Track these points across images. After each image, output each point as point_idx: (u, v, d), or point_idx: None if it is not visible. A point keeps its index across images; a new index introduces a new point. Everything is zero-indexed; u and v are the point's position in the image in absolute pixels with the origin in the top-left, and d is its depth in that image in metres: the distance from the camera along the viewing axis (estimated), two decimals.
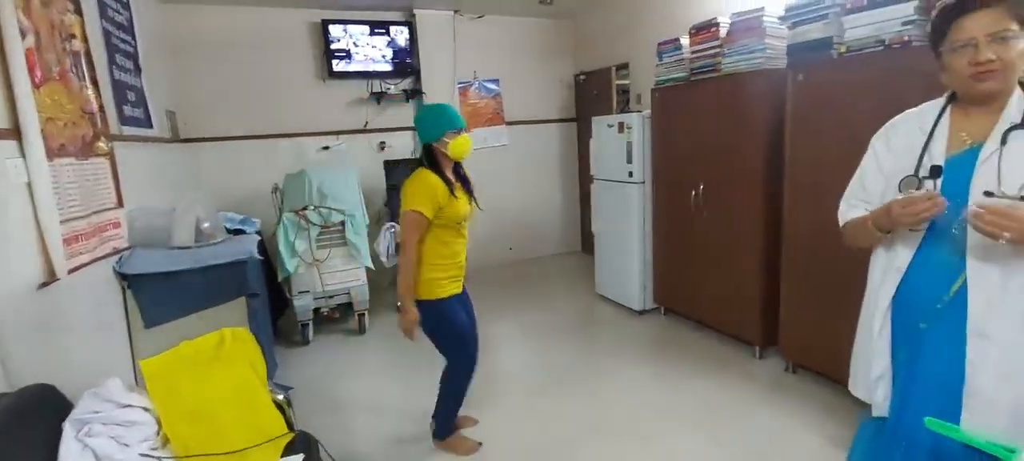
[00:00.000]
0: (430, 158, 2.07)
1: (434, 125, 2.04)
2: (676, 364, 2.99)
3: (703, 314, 3.37)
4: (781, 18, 2.60)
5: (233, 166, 4.31)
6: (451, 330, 2.13)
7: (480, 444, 2.31)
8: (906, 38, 2.06)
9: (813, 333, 2.60)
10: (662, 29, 3.91)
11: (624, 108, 4.72)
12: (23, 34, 1.68)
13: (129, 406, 1.44)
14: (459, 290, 2.16)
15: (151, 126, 3.15)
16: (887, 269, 1.24)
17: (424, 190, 1.98)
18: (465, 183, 2.17)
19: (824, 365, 2.59)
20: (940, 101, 1.21)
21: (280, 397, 1.72)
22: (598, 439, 2.33)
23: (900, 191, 1.17)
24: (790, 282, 2.70)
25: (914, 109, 1.26)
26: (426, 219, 1.97)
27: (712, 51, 2.98)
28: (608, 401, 2.67)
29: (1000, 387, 1.06)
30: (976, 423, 1.06)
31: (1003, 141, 1.06)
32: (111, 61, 2.59)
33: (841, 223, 1.38)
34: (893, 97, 2.14)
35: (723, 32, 2.93)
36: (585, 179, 5.50)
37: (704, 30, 3.03)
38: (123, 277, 2.39)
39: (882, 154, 1.27)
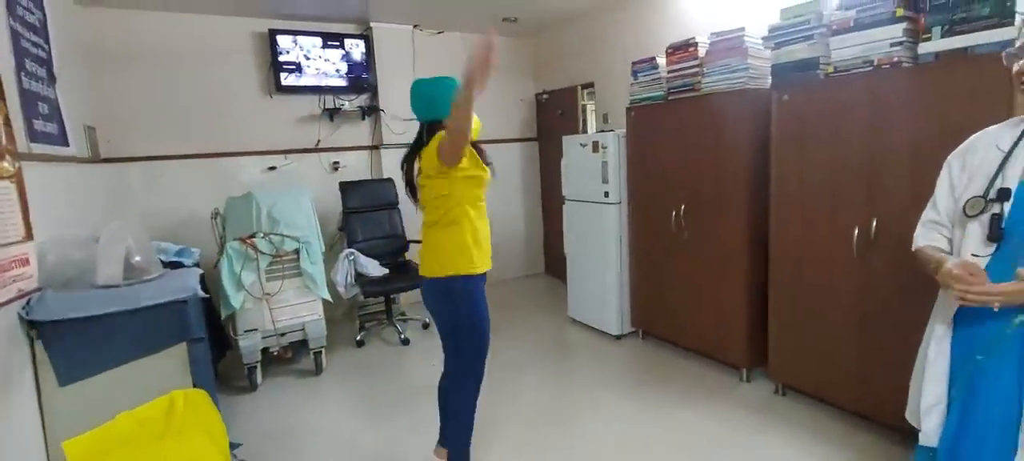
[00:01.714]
0: (436, 134, 1.87)
1: (450, 97, 1.78)
2: (660, 391, 2.87)
3: (685, 337, 3.29)
4: (764, 38, 2.59)
5: (164, 189, 3.83)
6: (481, 317, 1.95)
7: None
8: (895, 59, 2.08)
9: (803, 353, 2.56)
10: (629, 50, 3.89)
11: (601, 128, 4.66)
12: None
13: None
14: (490, 266, 2.01)
15: (67, 144, 2.69)
16: (947, 295, 1.15)
17: None
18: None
19: (816, 386, 2.55)
20: (1022, 119, 1.14)
21: None
22: None
23: (965, 213, 1.10)
24: (778, 302, 2.66)
25: (993, 127, 1.19)
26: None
27: (691, 70, 2.95)
28: (594, 433, 2.50)
29: None
30: None
31: None
32: (20, 67, 2.18)
33: (913, 247, 1.29)
34: (882, 117, 2.17)
35: (702, 52, 2.90)
36: (548, 199, 5.39)
37: (681, 49, 3.00)
38: (31, 325, 1.96)
39: (956, 174, 1.20)
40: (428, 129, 1.95)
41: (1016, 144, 1.11)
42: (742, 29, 2.69)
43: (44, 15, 2.56)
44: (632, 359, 3.36)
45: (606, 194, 3.50)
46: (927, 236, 1.26)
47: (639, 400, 2.81)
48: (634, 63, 3.36)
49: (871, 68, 2.16)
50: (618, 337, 3.63)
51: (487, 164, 1.98)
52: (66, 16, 3.07)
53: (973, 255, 1.09)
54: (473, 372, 2.02)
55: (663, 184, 3.19)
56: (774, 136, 2.55)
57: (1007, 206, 1.06)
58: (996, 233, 1.05)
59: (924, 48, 2.00)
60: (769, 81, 2.59)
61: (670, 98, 3.11)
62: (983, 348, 1.09)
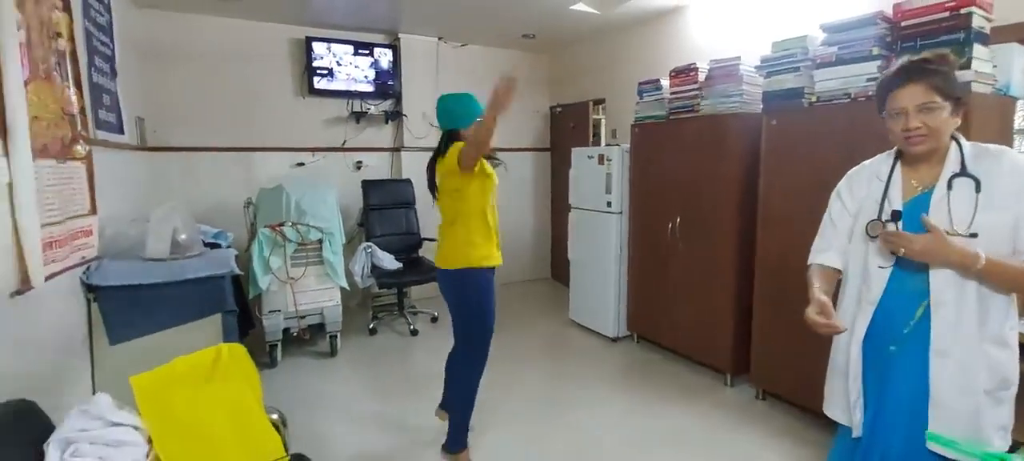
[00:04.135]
0: (456, 142, 2.15)
1: (468, 113, 2.16)
2: (651, 390, 3.06)
3: (675, 342, 3.48)
4: (757, 67, 2.80)
5: (200, 178, 4.15)
6: (488, 307, 2.20)
7: None
8: (870, 93, 2.27)
9: (783, 362, 2.74)
10: (638, 69, 4.12)
11: (609, 142, 4.88)
12: (17, 27, 1.61)
13: (118, 424, 1.36)
14: (500, 262, 2.26)
15: (122, 132, 3.02)
16: (861, 301, 1.37)
17: None
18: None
19: (793, 393, 2.73)
20: (891, 154, 1.38)
21: (275, 417, 1.66)
22: None
23: (867, 232, 1.33)
24: (762, 313, 2.84)
25: (868, 161, 1.44)
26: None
27: (691, 93, 3.17)
28: (588, 427, 2.70)
29: (959, 399, 1.21)
30: (941, 431, 1.21)
31: (949, 186, 1.24)
32: (91, 63, 2.49)
33: (808, 261, 1.52)
34: (857, 144, 2.35)
35: (702, 76, 3.12)
36: (557, 208, 5.62)
37: (683, 73, 3.22)
38: (90, 289, 2.25)
39: (846, 199, 1.45)
40: (449, 137, 2.22)
41: (892, 172, 1.35)
42: (738, 58, 2.90)
43: (110, 16, 2.88)
44: (625, 360, 3.56)
45: (609, 204, 3.72)
46: (819, 254, 1.49)
47: (629, 396, 3.01)
48: (640, 83, 3.59)
49: (849, 100, 2.36)
50: (614, 339, 3.83)
51: (494, 161, 2.26)
52: (126, 17, 3.40)
53: (879, 267, 1.31)
54: (479, 353, 2.28)
55: (661, 197, 3.40)
56: (763, 157, 2.75)
57: (900, 225, 1.28)
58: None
59: None
60: (760, 106, 2.80)
61: (671, 117, 3.33)
62: (894, 339, 1.29)
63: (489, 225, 2.22)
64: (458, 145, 2.12)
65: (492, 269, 2.25)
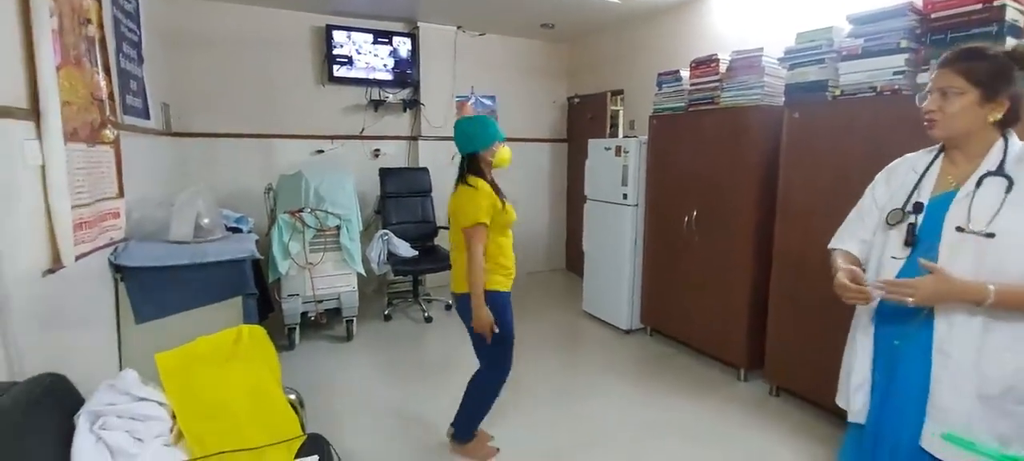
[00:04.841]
0: (474, 166, 2.15)
1: (485, 135, 2.15)
2: (664, 383, 3.06)
3: (689, 336, 3.47)
4: (780, 59, 2.75)
5: (221, 163, 4.23)
6: (503, 327, 2.18)
7: (498, 451, 2.34)
8: (896, 87, 2.22)
9: (798, 358, 2.71)
10: (658, 60, 4.07)
11: (627, 133, 4.84)
12: (50, 13, 1.65)
13: (144, 399, 1.41)
14: (510, 287, 2.23)
15: (148, 117, 3.09)
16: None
17: (482, 201, 2.07)
18: (497, 191, 2.23)
19: (807, 389, 2.71)
20: (936, 147, 1.35)
21: (292, 397, 1.71)
22: (593, 455, 2.37)
23: (887, 222, 1.31)
24: (778, 308, 2.82)
25: (914, 153, 1.40)
26: (486, 227, 2.07)
27: (711, 85, 3.13)
28: (601, 416, 2.71)
29: (955, 399, 1.19)
30: (937, 432, 1.20)
31: (978, 184, 1.20)
32: (119, 49, 2.55)
33: (830, 246, 1.51)
34: (881, 140, 2.31)
35: (723, 68, 3.07)
36: (573, 199, 5.61)
37: (704, 64, 3.18)
38: (117, 269, 2.33)
39: (881, 190, 1.42)
40: (468, 161, 2.19)
41: (928, 168, 1.32)
42: (761, 49, 2.85)
43: (137, 3, 2.94)
44: (638, 352, 3.56)
45: (624, 196, 3.70)
46: (841, 240, 1.48)
47: (641, 388, 3.02)
48: (659, 74, 3.55)
49: (874, 94, 2.30)
50: (627, 332, 3.83)
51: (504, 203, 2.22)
52: (151, 3, 3.47)
53: (892, 257, 1.30)
54: (500, 369, 2.27)
55: (678, 190, 3.38)
56: (783, 151, 2.71)
57: (920, 217, 1.26)
58: (911, 239, 1.27)
59: (922, 78, 2.15)
60: (782, 99, 2.75)
61: (690, 109, 3.29)
62: (900, 335, 1.28)
63: (503, 250, 2.18)
64: (472, 189, 2.09)
65: (507, 292, 2.22)
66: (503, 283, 2.19)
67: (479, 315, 2.07)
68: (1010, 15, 1.94)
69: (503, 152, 2.19)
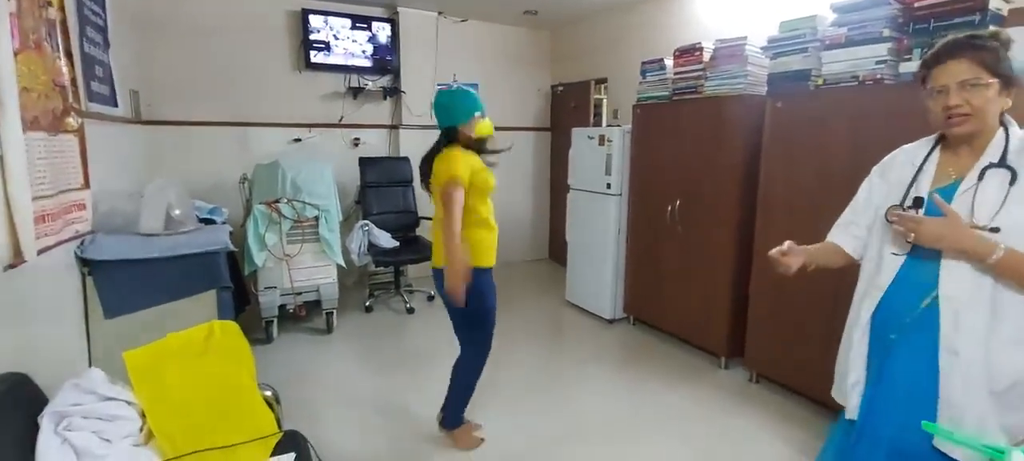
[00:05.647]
0: (453, 139, 2.10)
1: (464, 108, 2.09)
2: (647, 372, 3.08)
3: (671, 325, 3.49)
4: (763, 48, 2.75)
5: (195, 152, 4.10)
6: (486, 312, 2.15)
7: (483, 440, 2.33)
8: (879, 76, 2.23)
9: (777, 346, 2.74)
10: (642, 49, 4.05)
11: (610, 122, 4.82)
12: None
13: (112, 399, 1.35)
14: (494, 261, 2.18)
15: (116, 105, 2.96)
16: (870, 286, 1.34)
17: (460, 159, 2.02)
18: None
19: (786, 377, 2.74)
20: (932, 138, 1.32)
21: (268, 394, 1.66)
22: (577, 443, 2.37)
23: (887, 219, 1.28)
24: (758, 298, 2.84)
25: (910, 145, 1.37)
26: (463, 184, 2.00)
27: (695, 74, 3.12)
28: (584, 406, 2.71)
29: (966, 397, 1.17)
30: (949, 428, 1.16)
31: (980, 177, 1.17)
32: (82, 33, 2.43)
33: (826, 239, 1.50)
34: (863, 129, 2.32)
35: (706, 57, 3.06)
36: (556, 188, 5.58)
37: (688, 53, 3.16)
38: (84, 263, 2.23)
39: (876, 184, 1.39)
40: (446, 134, 2.14)
41: (925, 160, 1.28)
42: (744, 38, 2.85)
43: None
44: (621, 341, 3.57)
45: (608, 185, 3.69)
46: (834, 234, 1.47)
47: (624, 377, 3.03)
48: (643, 62, 3.53)
49: (856, 83, 2.31)
50: (610, 321, 3.84)
51: (494, 155, 2.19)
52: None
53: (892, 253, 1.27)
54: (481, 352, 2.25)
55: (661, 179, 3.37)
56: (765, 140, 2.72)
57: (920, 212, 1.23)
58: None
59: (904, 67, 2.16)
60: (765, 88, 2.75)
61: (674, 98, 3.28)
62: (897, 328, 1.26)
63: (485, 224, 2.13)
64: (452, 162, 2.02)
65: (489, 269, 2.17)
66: (487, 255, 2.13)
67: (453, 268, 1.96)
68: (993, 3, 1.95)
69: (485, 124, 2.12)
